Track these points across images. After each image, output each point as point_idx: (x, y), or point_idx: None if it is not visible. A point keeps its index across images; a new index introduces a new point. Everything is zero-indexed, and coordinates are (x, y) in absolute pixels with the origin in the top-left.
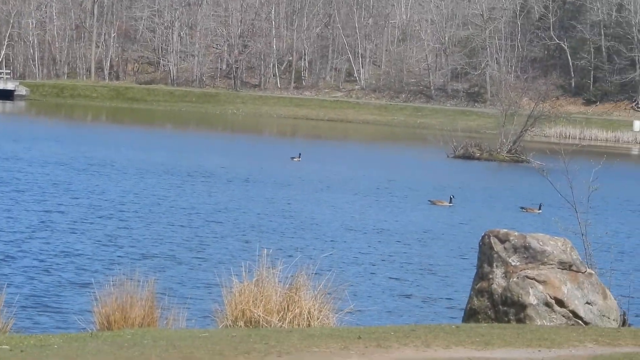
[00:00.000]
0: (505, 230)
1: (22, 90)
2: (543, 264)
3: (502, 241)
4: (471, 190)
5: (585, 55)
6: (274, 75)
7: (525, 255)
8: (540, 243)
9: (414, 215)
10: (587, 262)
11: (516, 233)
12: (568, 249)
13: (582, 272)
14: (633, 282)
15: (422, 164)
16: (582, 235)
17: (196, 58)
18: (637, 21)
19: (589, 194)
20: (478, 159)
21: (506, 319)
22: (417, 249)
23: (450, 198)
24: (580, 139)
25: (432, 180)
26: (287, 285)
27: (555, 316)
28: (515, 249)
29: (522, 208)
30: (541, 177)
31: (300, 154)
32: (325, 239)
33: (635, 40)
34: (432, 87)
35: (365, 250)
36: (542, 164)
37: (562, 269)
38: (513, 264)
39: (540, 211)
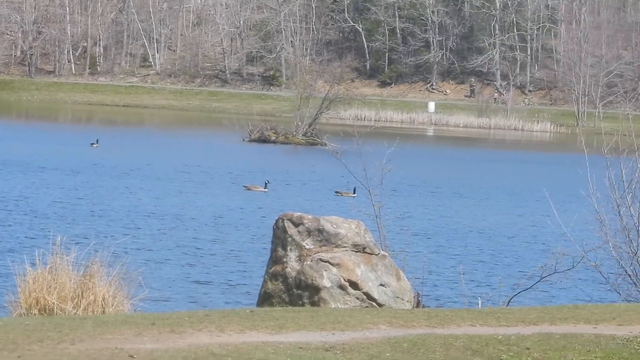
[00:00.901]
0: (299, 213)
1: None
2: (337, 246)
3: (296, 224)
4: (285, 175)
5: (380, 37)
6: (69, 61)
7: (319, 238)
8: (334, 226)
9: (219, 200)
10: (381, 244)
11: (310, 216)
12: (362, 232)
13: (376, 254)
14: (427, 263)
15: (218, 148)
16: (376, 217)
17: None
18: (430, 2)
19: (382, 176)
20: (274, 142)
21: (300, 302)
22: (215, 234)
23: (266, 183)
24: (375, 120)
25: (229, 164)
26: (82, 272)
27: (349, 298)
28: (309, 232)
29: (336, 192)
30: (337, 160)
31: (97, 140)
32: (121, 226)
33: (429, 21)
34: (227, 71)
35: (162, 237)
36: (337, 147)
37: (356, 252)
38: (307, 247)
39: (355, 194)
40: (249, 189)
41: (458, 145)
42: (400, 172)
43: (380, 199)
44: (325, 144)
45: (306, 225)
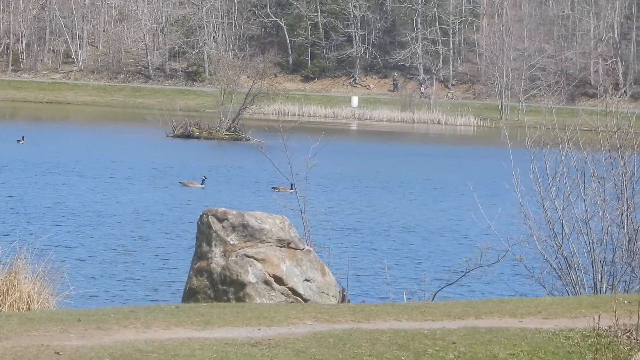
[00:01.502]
0: (224, 208)
1: None
2: (262, 242)
3: (221, 220)
4: (215, 171)
5: (302, 32)
6: None
7: (244, 234)
8: (259, 221)
9: (147, 197)
10: (306, 240)
11: (234, 212)
12: (286, 226)
13: (301, 249)
14: (351, 259)
15: (143, 144)
16: (301, 212)
17: None
18: None
19: (307, 171)
20: (197, 137)
21: (226, 298)
22: (141, 231)
23: (203, 179)
24: (299, 115)
25: (155, 160)
26: (6, 269)
27: (274, 294)
28: (234, 228)
29: (274, 188)
30: (263, 155)
31: (23, 137)
32: (47, 223)
33: (352, 16)
34: (150, 67)
35: (87, 234)
36: (262, 142)
37: (281, 247)
38: (232, 242)
39: (293, 190)
40: (185, 185)
41: (382, 139)
42: (325, 167)
43: (305, 194)
44: (249, 139)
45: (230, 221)
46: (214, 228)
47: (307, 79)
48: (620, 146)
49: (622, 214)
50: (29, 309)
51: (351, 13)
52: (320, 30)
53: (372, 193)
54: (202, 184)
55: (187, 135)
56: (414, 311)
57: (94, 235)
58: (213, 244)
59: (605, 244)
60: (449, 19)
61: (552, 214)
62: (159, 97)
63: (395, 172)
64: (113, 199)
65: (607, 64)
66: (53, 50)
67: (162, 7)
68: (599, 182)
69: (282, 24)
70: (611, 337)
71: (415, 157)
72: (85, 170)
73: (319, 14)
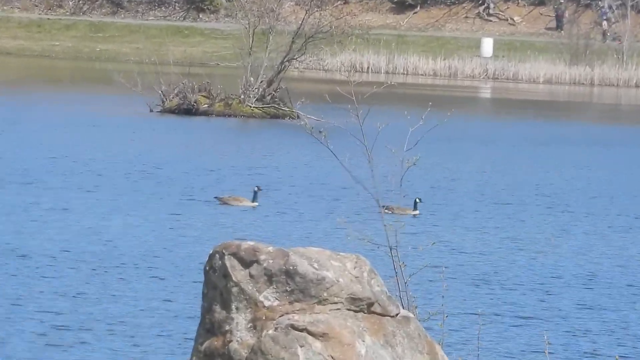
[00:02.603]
0: (251, 243)
1: None
2: (321, 302)
3: (247, 263)
4: (269, 175)
5: None
6: None
7: (288, 288)
8: (316, 265)
9: (164, 226)
10: (402, 298)
11: (270, 248)
12: (365, 274)
13: (392, 316)
14: (482, 329)
15: (112, 126)
16: (390, 248)
17: None
18: None
19: (402, 174)
20: (206, 113)
21: None
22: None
23: (254, 192)
24: (388, 73)
25: (139, 156)
26: None
27: None
28: (271, 277)
29: (386, 208)
30: (322, 146)
31: None
32: None
33: None
34: None
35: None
36: (322, 120)
37: (357, 311)
38: (267, 303)
39: (417, 212)
40: (225, 203)
41: (537, 115)
42: (435, 167)
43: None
44: (298, 116)
45: (264, 265)
46: (234, 278)
47: (402, 7)
48: None
49: None
50: None
51: None
52: None
53: (523, 214)
54: (253, 201)
55: (187, 110)
56: None
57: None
58: (234, 307)
59: None
60: None
61: None
62: (138, 40)
63: (565, 180)
64: (81, 232)
65: None
66: None
67: None
68: None
69: None
70: None
71: (601, 151)
72: (25, 175)
73: None
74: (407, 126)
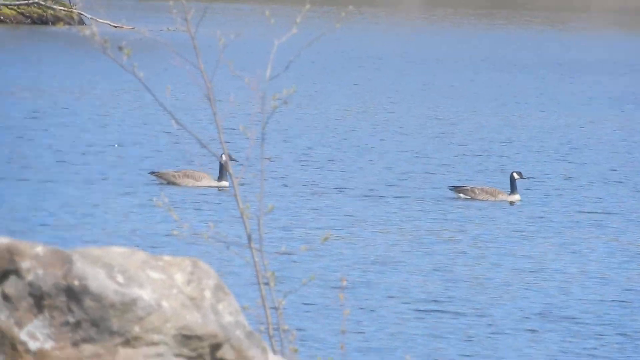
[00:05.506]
0: (5, 239)
1: None
2: (130, 342)
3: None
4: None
5: None
6: None
7: (71, 319)
8: (120, 278)
9: None
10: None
11: (41, 249)
12: (208, 295)
13: None
14: None
15: None
16: (249, 240)
17: None
18: None
19: (265, 118)
20: None
21: None
22: None
23: (221, 163)
24: None
25: None
26: None
27: None
28: (40, 300)
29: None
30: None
31: None
32: None
33: None
34: None
35: None
36: (122, 27)
37: (192, 358)
38: (34, 345)
39: (518, 197)
40: (164, 180)
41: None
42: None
43: (262, 184)
44: (82, 21)
45: (28, 278)
46: None
47: None
48: None
49: None
50: None
51: None
52: None
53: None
54: (220, 180)
55: None
56: None
57: None
58: None
59: None
60: None
61: None
62: None
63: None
64: None
65: None
66: None
67: None
68: None
69: None
70: None
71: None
72: None
73: None
74: (272, 38)
